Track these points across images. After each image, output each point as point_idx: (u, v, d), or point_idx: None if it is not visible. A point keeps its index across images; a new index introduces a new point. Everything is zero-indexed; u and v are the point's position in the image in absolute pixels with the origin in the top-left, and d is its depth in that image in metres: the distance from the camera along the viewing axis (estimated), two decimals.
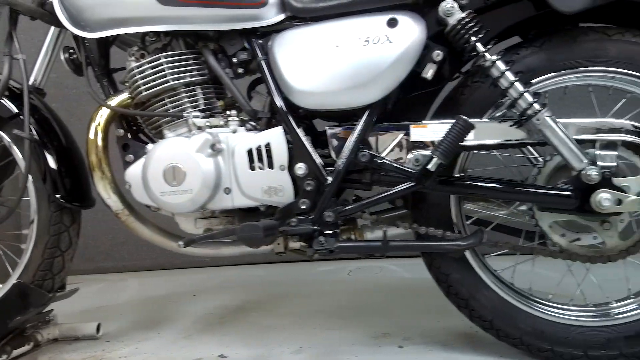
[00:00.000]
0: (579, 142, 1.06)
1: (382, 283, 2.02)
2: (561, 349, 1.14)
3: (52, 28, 1.40)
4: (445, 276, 1.20)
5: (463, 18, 1.05)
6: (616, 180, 1.05)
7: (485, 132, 1.09)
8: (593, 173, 1.02)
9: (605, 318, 1.14)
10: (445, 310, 1.25)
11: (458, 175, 1.16)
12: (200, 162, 1.14)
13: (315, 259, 1.27)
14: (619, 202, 1.02)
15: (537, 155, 1.25)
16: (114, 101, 1.27)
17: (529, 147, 1.24)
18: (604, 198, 1.03)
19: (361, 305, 1.74)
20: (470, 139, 1.08)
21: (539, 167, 1.12)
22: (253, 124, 1.23)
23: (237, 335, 1.53)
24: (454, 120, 1.04)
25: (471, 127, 1.02)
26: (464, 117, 1.01)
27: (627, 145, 1.05)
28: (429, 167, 1.04)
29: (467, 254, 1.19)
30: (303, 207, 1.13)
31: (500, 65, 1.06)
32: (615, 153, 1.04)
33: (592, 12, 1.17)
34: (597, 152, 1.05)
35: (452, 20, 1.06)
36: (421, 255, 1.23)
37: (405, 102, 1.21)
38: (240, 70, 1.23)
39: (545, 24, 1.15)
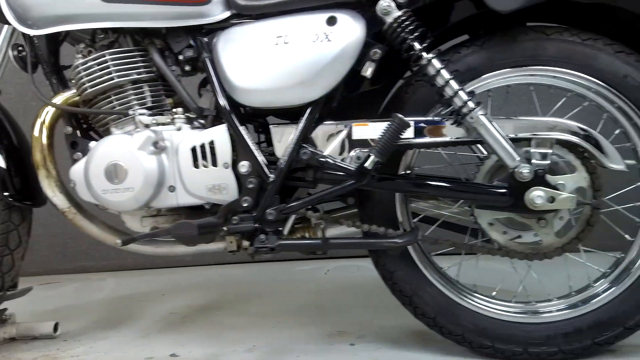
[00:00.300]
0: (517, 140, 1.07)
1: (357, 282, 2.02)
2: (502, 345, 1.15)
3: (6, 26, 1.39)
4: (390, 273, 1.21)
5: (399, 16, 1.05)
6: (552, 178, 1.06)
7: (427, 131, 1.10)
8: (525, 171, 1.03)
9: (544, 315, 1.15)
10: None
11: (398, 173, 1.17)
12: (142, 160, 1.14)
13: (263, 260, 1.26)
14: (552, 199, 1.03)
15: (486, 153, 1.26)
16: (60, 98, 1.27)
17: (479, 145, 1.25)
18: (536, 196, 1.04)
19: (327, 303, 1.74)
20: (410, 137, 1.09)
21: (478, 165, 1.13)
22: (202, 121, 1.23)
23: (195, 335, 1.53)
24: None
25: (407, 125, 1.03)
26: (400, 116, 1.02)
27: (562, 143, 1.06)
28: (365, 165, 1.04)
29: (412, 252, 1.20)
30: (245, 205, 1.13)
31: (436, 63, 1.06)
32: (550, 151, 1.05)
33: (541, 12, 1.19)
34: (533, 150, 1.06)
35: (389, 19, 1.06)
36: (368, 253, 1.24)
37: (357, 100, 1.22)
38: (187, 68, 1.23)
39: (492, 23, 1.16)
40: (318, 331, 1.48)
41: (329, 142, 1.13)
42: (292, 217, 1.21)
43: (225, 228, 1.11)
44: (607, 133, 1.14)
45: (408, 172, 1.19)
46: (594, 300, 1.12)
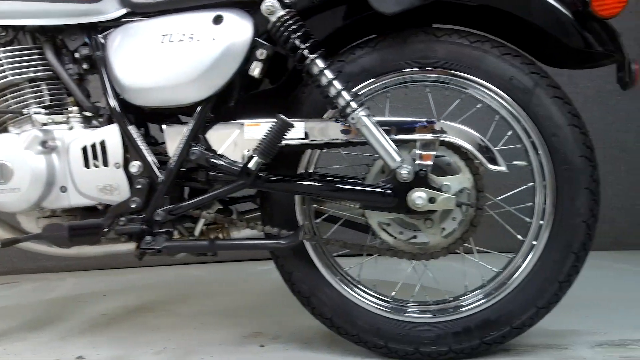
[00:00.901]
0: (405, 142, 1.08)
1: None
2: (395, 345, 1.15)
3: None
4: (289, 274, 1.20)
5: (282, 16, 1.05)
6: (437, 179, 1.07)
7: (317, 131, 1.09)
8: (403, 172, 1.03)
9: (435, 315, 1.16)
10: None
11: (298, 173, 1.16)
12: (29, 160, 1.12)
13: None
14: (432, 200, 1.04)
15: None
16: None
17: None
18: (417, 196, 1.04)
19: (263, 304, 1.73)
20: (300, 138, 1.08)
21: (369, 165, 1.13)
22: (101, 120, 1.21)
23: (113, 336, 1.51)
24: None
25: (289, 126, 1.02)
26: (282, 117, 1.01)
27: (448, 144, 1.07)
28: (249, 165, 1.03)
29: (311, 252, 1.19)
30: (133, 205, 1.12)
31: (320, 63, 1.06)
32: (433, 153, 1.05)
33: (449, 14, 1.19)
34: (418, 151, 1.06)
35: (273, 18, 1.05)
36: (270, 254, 1.23)
37: (269, 99, 1.21)
38: (85, 66, 1.21)
39: (398, 24, 1.16)
40: (237, 332, 1.47)
41: (223, 142, 1.13)
42: (202, 219, 1.20)
43: (109, 229, 1.09)
44: (501, 134, 1.15)
45: (309, 171, 1.19)
46: (482, 301, 1.13)
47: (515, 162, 1.13)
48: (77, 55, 1.20)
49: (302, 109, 1.15)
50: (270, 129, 1.02)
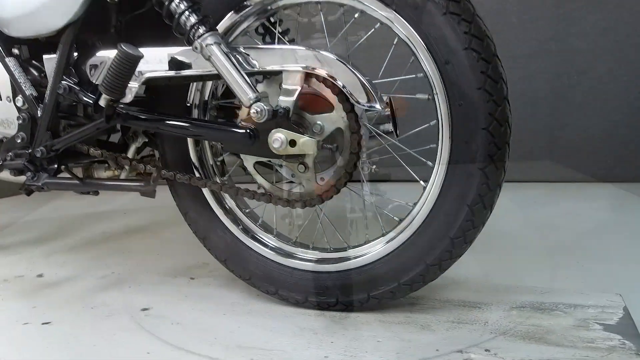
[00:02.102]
0: (271, 74, 0.92)
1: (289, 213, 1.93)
2: (285, 292, 1.09)
3: None
4: (184, 214, 1.16)
5: None
6: (311, 118, 0.91)
7: (184, 62, 0.97)
8: (252, 111, 0.88)
9: (325, 265, 1.05)
10: None
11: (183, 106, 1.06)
12: None
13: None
14: (293, 143, 0.89)
15: None
16: None
17: None
18: (274, 138, 0.90)
19: None
20: (162, 70, 0.97)
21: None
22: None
23: (86, 257, 1.59)
24: None
25: (132, 57, 0.90)
26: (124, 47, 0.89)
27: (318, 77, 0.89)
28: (99, 102, 0.95)
29: (207, 194, 1.13)
30: (18, 140, 1.11)
31: None
32: (298, 88, 0.89)
33: None
34: (284, 86, 0.90)
35: None
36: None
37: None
38: None
39: None
40: (189, 261, 1.48)
41: (101, 72, 1.05)
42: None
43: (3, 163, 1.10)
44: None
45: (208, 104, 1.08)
46: (371, 253, 1.01)
47: (419, 95, 0.93)
48: None
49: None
50: (112, 62, 0.92)
